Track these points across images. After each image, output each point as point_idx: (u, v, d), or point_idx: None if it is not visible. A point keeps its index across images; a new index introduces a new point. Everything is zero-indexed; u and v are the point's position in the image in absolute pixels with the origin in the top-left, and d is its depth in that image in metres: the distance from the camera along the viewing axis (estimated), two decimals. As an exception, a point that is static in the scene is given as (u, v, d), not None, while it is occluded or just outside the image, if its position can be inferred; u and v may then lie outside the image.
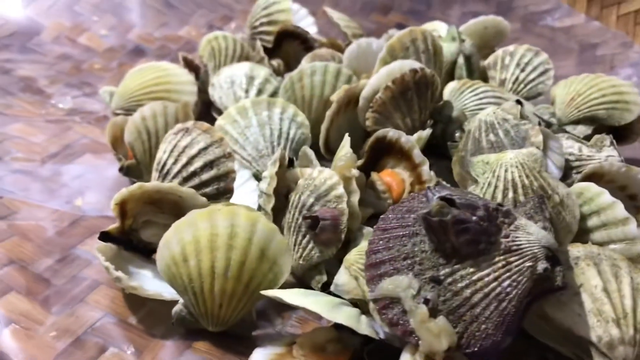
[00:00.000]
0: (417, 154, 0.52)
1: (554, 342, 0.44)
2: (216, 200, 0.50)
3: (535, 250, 0.41)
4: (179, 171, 0.51)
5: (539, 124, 0.62)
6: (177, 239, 0.43)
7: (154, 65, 0.68)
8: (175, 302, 0.45)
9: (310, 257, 0.47)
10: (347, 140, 0.51)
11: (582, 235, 0.48)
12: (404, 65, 0.59)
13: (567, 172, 0.54)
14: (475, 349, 0.39)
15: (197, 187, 0.50)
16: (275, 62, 0.73)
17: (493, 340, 0.39)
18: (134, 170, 0.57)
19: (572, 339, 0.43)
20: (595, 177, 0.51)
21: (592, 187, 0.48)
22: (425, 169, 0.51)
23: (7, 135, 0.62)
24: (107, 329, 0.45)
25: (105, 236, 0.49)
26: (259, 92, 0.66)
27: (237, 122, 0.60)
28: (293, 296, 0.40)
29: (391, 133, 0.54)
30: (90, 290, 0.48)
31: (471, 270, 0.40)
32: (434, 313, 0.39)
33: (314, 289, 0.48)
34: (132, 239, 0.50)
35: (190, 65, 0.70)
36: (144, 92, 0.65)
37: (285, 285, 0.46)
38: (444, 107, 0.62)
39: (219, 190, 0.50)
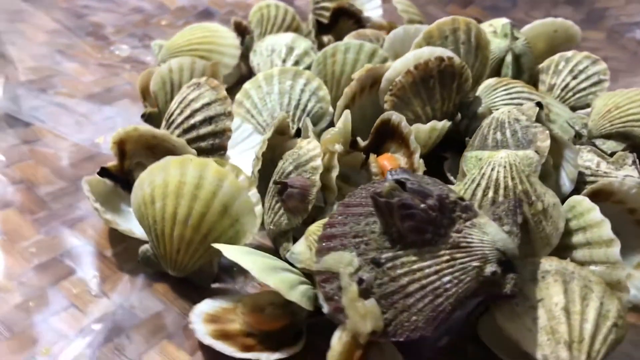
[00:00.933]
0: (412, 141, 0.51)
1: (504, 354, 0.42)
2: (209, 155, 0.52)
3: (487, 252, 0.39)
4: (181, 122, 0.53)
5: (578, 136, 0.58)
6: (149, 181, 0.45)
7: (204, 25, 0.71)
8: (146, 242, 0.47)
9: (279, 223, 0.47)
10: (345, 115, 0.51)
11: (565, 250, 0.44)
12: (434, 52, 0.57)
13: (580, 187, 0.51)
14: (401, 339, 0.38)
15: (194, 140, 0.52)
16: (326, 38, 0.73)
17: (421, 334, 0.38)
18: (154, 118, 0.60)
19: (521, 354, 0.40)
20: (603, 194, 0.47)
21: (584, 202, 0.45)
22: (416, 157, 0.50)
23: (59, 72, 0.67)
24: (82, 256, 0.48)
25: (104, 171, 0.52)
26: (296, 63, 0.67)
27: (261, 88, 0.61)
28: (233, 251, 0.40)
29: (394, 117, 0.52)
30: (79, 220, 0.51)
31: (413, 258, 0.39)
32: (366, 294, 0.38)
33: (281, 256, 0.48)
34: (129, 179, 0.52)
35: (240, 30, 0.71)
36: (188, 49, 0.67)
37: (263, 249, 0.47)
38: (473, 103, 0.60)
39: (214, 146, 0.52)
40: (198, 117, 0.52)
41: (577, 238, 0.44)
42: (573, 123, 0.57)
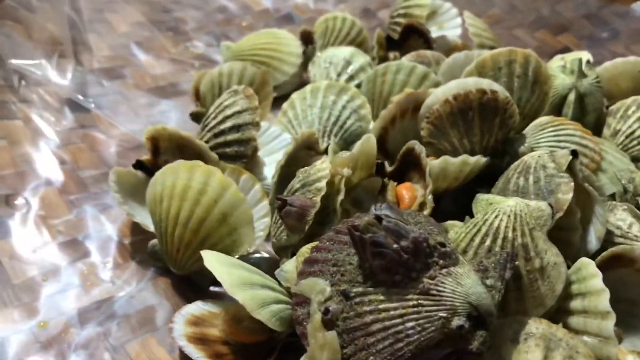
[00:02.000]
0: (428, 175, 0.49)
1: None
2: (232, 162, 0.53)
3: (457, 304, 0.37)
4: (214, 126, 0.55)
5: (624, 191, 0.54)
6: (161, 180, 0.47)
7: (272, 31, 0.72)
8: (158, 237, 0.50)
9: (280, 238, 0.48)
10: (365, 139, 0.50)
11: (562, 314, 0.42)
12: (479, 84, 0.55)
13: (608, 247, 0.47)
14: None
15: (221, 145, 0.54)
16: (392, 54, 0.73)
17: (388, 374, 0.37)
18: (200, 118, 0.62)
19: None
20: (623, 260, 0.44)
21: (590, 267, 0.41)
22: (428, 192, 0.48)
23: (131, 62, 0.72)
24: (101, 241, 0.51)
25: (138, 164, 0.55)
26: (351, 78, 0.67)
27: (305, 100, 0.61)
28: (213, 260, 0.42)
29: (417, 147, 0.51)
30: (110, 207, 0.54)
31: (381, 297, 0.38)
32: (330, 325, 0.38)
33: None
34: (159, 174, 0.55)
35: (305, 39, 0.73)
36: (250, 53, 0.70)
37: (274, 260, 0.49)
38: (517, 140, 0.57)
39: (237, 153, 0.53)
40: (228, 124, 0.54)
41: (575, 303, 0.41)
42: (620, 176, 0.53)
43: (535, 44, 0.86)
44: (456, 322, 0.37)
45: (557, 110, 0.63)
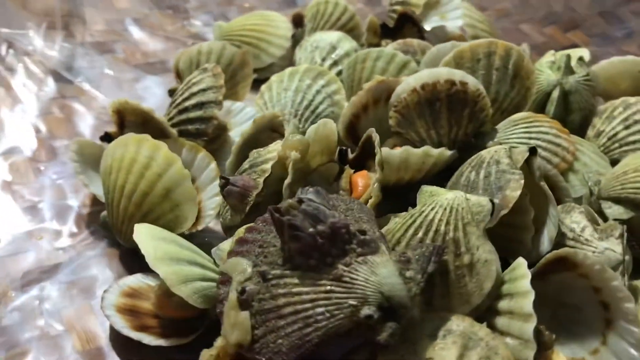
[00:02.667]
0: (377, 163, 0.48)
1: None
2: (194, 139, 0.53)
3: (368, 293, 0.36)
4: (179, 103, 0.55)
5: (590, 193, 0.51)
6: (112, 152, 0.48)
7: (264, 13, 0.72)
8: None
9: (225, 218, 0.48)
10: (321, 124, 0.50)
11: (490, 314, 0.40)
12: (450, 74, 0.53)
13: (558, 249, 0.45)
14: (263, 358, 0.37)
15: (184, 122, 0.54)
16: (384, 42, 0.71)
17: (283, 359, 0.36)
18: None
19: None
20: (567, 264, 0.42)
21: (521, 267, 0.40)
22: (375, 181, 0.47)
23: (124, 38, 0.73)
24: (59, 209, 0.53)
25: (106, 136, 0.55)
26: (335, 63, 0.66)
27: (282, 82, 0.61)
28: (141, 234, 0.42)
29: (373, 134, 0.50)
30: (73, 177, 0.55)
31: (295, 281, 0.37)
32: (245, 305, 0.38)
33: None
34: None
35: (297, 22, 0.72)
36: (238, 34, 0.69)
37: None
38: (487, 135, 0.55)
39: (198, 130, 0.53)
40: (192, 101, 0.54)
41: (502, 304, 0.40)
42: (588, 178, 0.51)
43: (542, 39, 0.83)
44: (365, 311, 0.36)
45: (542, 106, 0.61)
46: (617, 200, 0.48)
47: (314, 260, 0.37)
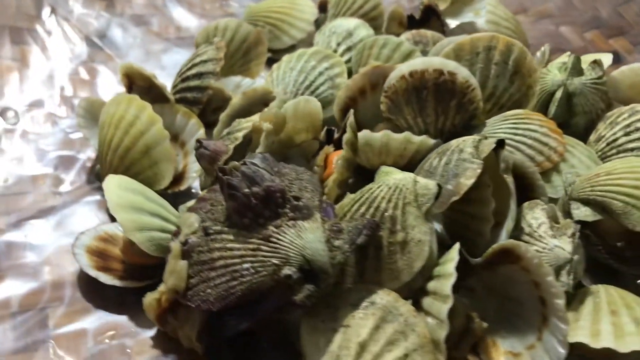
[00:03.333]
0: (344, 142, 0.50)
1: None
2: (190, 106, 0.57)
3: (291, 254, 0.38)
4: (183, 72, 0.58)
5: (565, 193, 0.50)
6: (107, 109, 0.52)
7: (292, -5, 0.75)
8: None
9: (201, 179, 0.51)
10: (300, 101, 0.52)
11: (419, 293, 0.41)
12: (443, 64, 0.54)
13: (513, 243, 0.45)
14: (193, 305, 0.40)
15: (184, 90, 0.57)
16: (407, 34, 0.72)
17: (209, 307, 0.39)
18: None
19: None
20: (512, 256, 0.42)
21: (453, 251, 0.40)
22: (337, 158, 0.49)
23: (163, 13, 0.77)
24: (65, 160, 0.57)
25: (118, 97, 0.60)
26: (348, 49, 0.67)
27: (289, 62, 0.63)
28: (109, 183, 0.45)
29: (349, 114, 0.52)
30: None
31: (230, 237, 0.40)
32: (186, 255, 0.41)
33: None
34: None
35: (322, 7, 0.74)
36: (263, 15, 0.72)
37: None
38: (476, 128, 0.55)
39: (194, 99, 0.57)
40: (193, 71, 0.57)
41: (430, 284, 0.40)
42: (566, 178, 0.50)
43: (580, 44, 0.80)
44: (285, 271, 0.38)
45: (545, 106, 0.60)
46: (585, 202, 0.47)
47: (248, 219, 0.39)
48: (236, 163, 0.41)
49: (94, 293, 0.46)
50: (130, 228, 0.43)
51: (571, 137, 0.56)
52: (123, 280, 0.45)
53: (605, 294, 0.42)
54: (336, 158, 0.51)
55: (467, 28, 0.75)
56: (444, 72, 0.53)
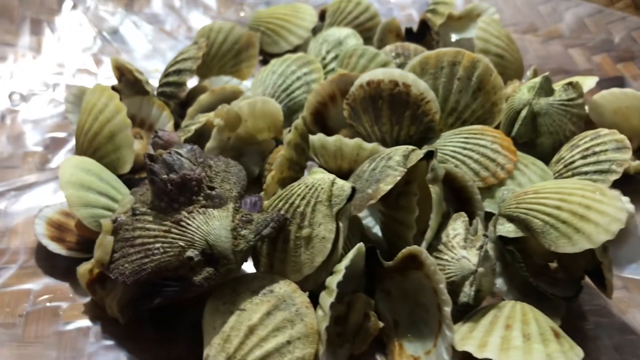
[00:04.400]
0: (285, 141, 0.52)
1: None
2: (168, 100, 0.61)
3: (196, 238, 0.42)
4: (168, 68, 0.63)
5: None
6: (86, 97, 0.57)
7: (295, 4, 0.78)
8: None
9: (160, 167, 0.55)
10: (260, 101, 0.55)
11: (320, 287, 0.43)
12: (399, 76, 0.56)
13: (431, 252, 0.46)
14: (112, 277, 0.43)
15: (165, 85, 0.62)
16: (390, 46, 0.73)
17: (123, 280, 0.43)
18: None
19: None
20: (416, 262, 0.44)
21: (354, 250, 0.42)
22: (278, 155, 0.52)
23: (178, 14, 0.82)
24: (57, 141, 0.63)
25: (112, 88, 0.65)
26: (336, 57, 0.70)
27: (273, 66, 0.67)
28: (67, 163, 0.50)
29: (298, 120, 0.54)
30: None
31: (149, 218, 0.44)
32: (114, 232, 0.45)
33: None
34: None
35: (322, 16, 0.77)
36: (265, 20, 0.76)
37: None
38: (429, 140, 0.56)
39: (171, 93, 0.61)
40: (175, 67, 0.62)
41: (328, 279, 0.43)
42: (502, 194, 0.51)
43: (587, 67, 0.79)
44: (189, 253, 0.41)
45: (512, 124, 0.60)
46: (510, 219, 0.48)
47: (164, 203, 0.43)
48: (162, 151, 0.44)
49: (46, 261, 0.50)
50: (75, 204, 0.48)
51: (529, 157, 0.57)
52: (70, 250, 0.50)
53: (509, 309, 0.43)
54: (277, 156, 0.53)
55: (465, 44, 0.76)
56: (399, 83, 0.55)
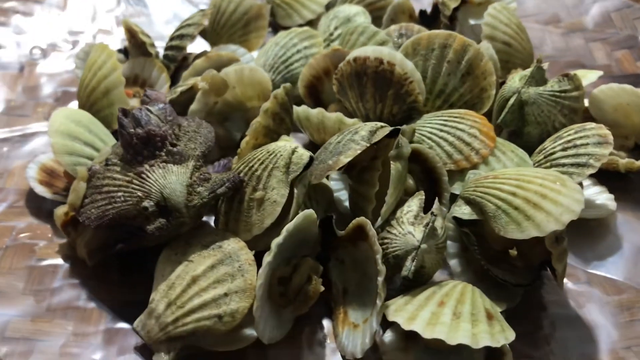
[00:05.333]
0: (262, 109, 0.54)
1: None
2: (169, 62, 0.64)
3: (153, 190, 0.44)
4: (175, 31, 0.66)
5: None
6: (90, 54, 0.60)
7: (312, -20, 0.79)
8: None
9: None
10: (247, 69, 0.57)
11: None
12: (389, 56, 0.56)
13: (384, 226, 0.48)
14: (80, 220, 0.47)
15: (168, 48, 0.65)
16: (395, 26, 0.73)
17: (88, 224, 0.46)
18: (205, 31, 0.72)
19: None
20: (363, 233, 0.45)
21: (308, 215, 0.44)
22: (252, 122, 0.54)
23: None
24: (66, 94, 0.67)
25: (124, 49, 0.69)
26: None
27: (277, 37, 0.68)
28: (59, 112, 0.53)
29: (279, 89, 0.55)
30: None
31: (117, 169, 0.47)
32: (88, 179, 0.48)
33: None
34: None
35: (339, -8, 0.78)
36: (281, -7, 0.78)
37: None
38: (411, 120, 0.57)
39: (172, 56, 0.64)
40: (179, 32, 0.65)
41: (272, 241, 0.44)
42: (468, 177, 0.51)
43: (605, 62, 0.77)
44: (145, 203, 0.44)
45: (500, 112, 0.60)
46: (467, 201, 0.48)
47: (130, 155, 0.46)
48: (134, 106, 0.47)
49: (34, 202, 0.54)
50: (59, 151, 0.51)
51: (511, 145, 0.56)
52: (55, 195, 0.54)
53: (449, 288, 0.44)
54: (253, 122, 0.55)
55: (477, 29, 0.75)
56: (383, 61, 0.56)
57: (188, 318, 0.42)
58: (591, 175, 0.57)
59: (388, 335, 0.44)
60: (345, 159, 0.47)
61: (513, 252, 0.50)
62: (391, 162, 0.48)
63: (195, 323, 0.41)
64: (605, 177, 0.59)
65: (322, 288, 0.45)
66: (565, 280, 0.51)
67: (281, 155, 0.47)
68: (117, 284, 0.48)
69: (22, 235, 0.52)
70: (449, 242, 0.49)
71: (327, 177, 0.54)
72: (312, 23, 0.77)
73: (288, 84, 0.56)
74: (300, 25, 0.76)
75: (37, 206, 0.54)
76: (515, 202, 0.45)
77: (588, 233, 0.56)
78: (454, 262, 0.49)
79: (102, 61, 0.58)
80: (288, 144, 0.47)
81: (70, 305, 0.47)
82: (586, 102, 0.63)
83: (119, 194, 0.45)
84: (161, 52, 0.66)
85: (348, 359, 0.44)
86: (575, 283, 0.52)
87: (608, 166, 0.59)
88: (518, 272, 0.49)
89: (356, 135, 0.49)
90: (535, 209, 0.44)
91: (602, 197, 0.58)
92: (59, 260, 0.50)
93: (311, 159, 0.46)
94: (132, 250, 0.48)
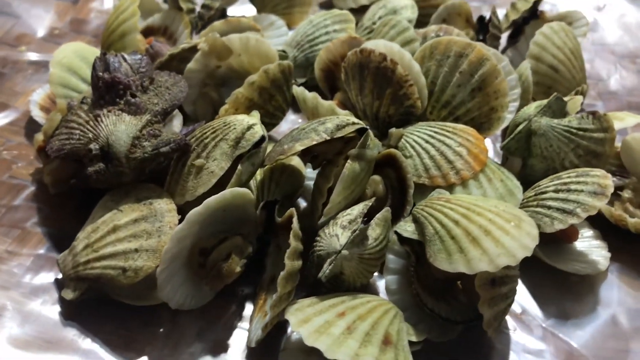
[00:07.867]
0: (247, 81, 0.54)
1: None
2: (198, 20, 0.65)
3: (101, 135, 0.46)
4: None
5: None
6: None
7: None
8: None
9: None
10: (253, 39, 0.56)
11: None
12: (400, 54, 0.54)
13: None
14: (47, 151, 0.49)
15: (203, 7, 0.66)
16: (434, 26, 0.68)
17: (51, 154, 0.48)
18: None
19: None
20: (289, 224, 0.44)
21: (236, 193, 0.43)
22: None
23: None
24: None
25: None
26: (384, 24, 0.68)
27: (316, 16, 0.67)
28: (67, 47, 0.56)
29: (272, 65, 0.54)
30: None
31: (85, 108, 0.49)
32: (66, 112, 0.50)
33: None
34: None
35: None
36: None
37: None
38: (407, 123, 0.54)
39: (199, 14, 0.66)
40: (207, 1, 0.66)
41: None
42: (431, 195, 0.48)
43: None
44: (91, 145, 0.45)
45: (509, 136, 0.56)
46: (414, 219, 0.45)
47: (94, 98, 0.47)
48: (112, 52, 0.48)
49: (32, 125, 0.58)
50: (55, 81, 0.54)
51: (507, 174, 0.52)
52: (47, 120, 0.57)
53: (360, 302, 0.41)
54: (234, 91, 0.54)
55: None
56: (387, 58, 0.53)
57: (97, 263, 0.43)
58: (599, 228, 0.53)
59: (297, 334, 0.43)
60: (299, 147, 0.46)
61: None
62: (348, 160, 0.46)
63: (101, 270, 0.42)
64: (614, 233, 0.53)
65: (239, 269, 0.44)
66: (515, 328, 0.47)
67: (234, 128, 0.46)
68: (69, 218, 0.50)
69: (6, 152, 0.55)
70: (391, 257, 0.46)
71: (305, 164, 0.53)
72: (367, 9, 0.75)
73: (286, 62, 0.55)
74: (352, 10, 0.75)
75: (32, 130, 0.57)
76: (454, 231, 0.42)
77: (564, 286, 0.50)
78: (390, 279, 0.46)
79: (125, 5, 0.60)
80: (247, 119, 0.47)
81: (17, 224, 0.49)
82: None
83: (77, 131, 0.47)
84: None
85: (247, 345, 0.43)
86: (528, 334, 0.47)
87: (618, 222, 0.54)
88: (457, 307, 0.46)
89: (322, 126, 0.47)
90: (472, 244, 0.41)
91: (597, 252, 0.52)
92: (28, 182, 0.53)
93: (262, 139, 0.46)
94: (95, 190, 0.50)
